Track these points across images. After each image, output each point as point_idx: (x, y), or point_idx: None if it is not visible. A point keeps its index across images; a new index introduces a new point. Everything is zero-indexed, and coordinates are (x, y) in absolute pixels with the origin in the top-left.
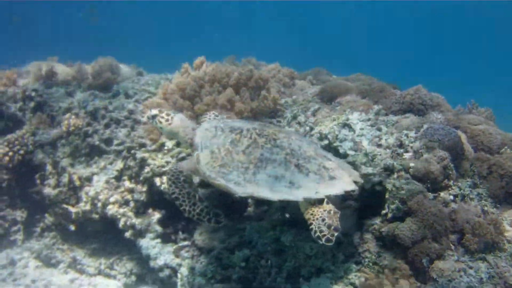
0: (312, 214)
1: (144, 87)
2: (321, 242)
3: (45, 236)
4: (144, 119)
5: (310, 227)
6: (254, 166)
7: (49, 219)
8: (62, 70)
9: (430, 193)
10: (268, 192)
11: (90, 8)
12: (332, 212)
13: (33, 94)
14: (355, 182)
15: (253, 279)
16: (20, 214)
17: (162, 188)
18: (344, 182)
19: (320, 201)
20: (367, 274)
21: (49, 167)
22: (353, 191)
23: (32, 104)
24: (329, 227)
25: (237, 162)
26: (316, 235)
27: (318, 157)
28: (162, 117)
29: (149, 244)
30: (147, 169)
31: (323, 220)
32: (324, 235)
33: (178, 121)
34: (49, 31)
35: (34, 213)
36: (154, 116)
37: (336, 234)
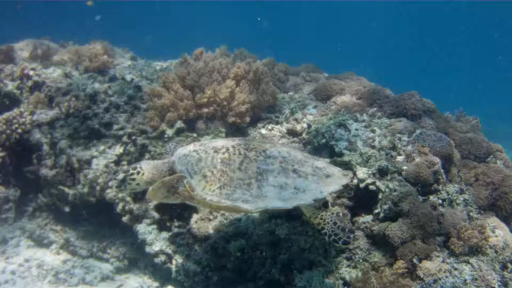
0: (321, 219)
1: (141, 73)
2: (338, 245)
3: (37, 216)
4: (115, 189)
5: (323, 231)
6: (256, 180)
7: (42, 199)
8: (58, 50)
9: (420, 196)
10: (279, 202)
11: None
12: (341, 214)
13: (31, 73)
14: (344, 175)
15: (248, 269)
16: (13, 193)
17: None
18: (339, 177)
19: (324, 204)
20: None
21: (46, 148)
22: (347, 185)
23: (30, 83)
24: (343, 230)
25: (237, 180)
26: (331, 238)
27: (308, 159)
28: (132, 174)
29: (146, 230)
30: (147, 155)
31: (335, 223)
32: (340, 238)
33: (147, 165)
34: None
35: (27, 192)
36: (124, 179)
37: (352, 236)
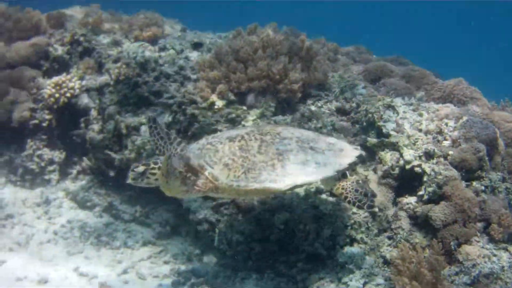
0: (343, 189)
1: (190, 44)
2: (363, 210)
3: (80, 179)
4: (130, 181)
5: (347, 200)
6: (278, 161)
7: (87, 162)
8: (107, 18)
9: (464, 182)
10: (305, 177)
11: None
12: (360, 181)
13: (81, 39)
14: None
15: (290, 242)
16: (58, 155)
17: None
18: (351, 150)
19: (343, 175)
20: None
21: (94, 112)
22: (360, 155)
23: (80, 49)
24: (365, 195)
25: (260, 163)
26: (356, 205)
27: (319, 136)
28: (154, 168)
29: (190, 198)
30: (196, 125)
31: (357, 190)
32: (364, 203)
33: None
34: None
35: (72, 155)
36: (143, 173)
37: (374, 199)
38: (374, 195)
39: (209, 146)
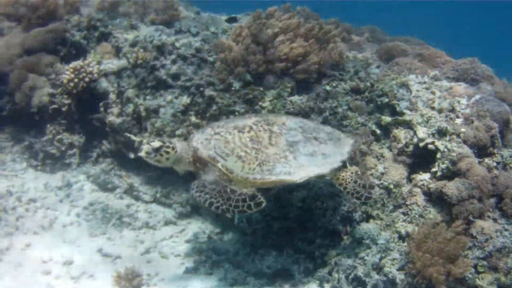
0: (343, 179)
1: (206, 26)
2: (361, 201)
3: (100, 162)
4: (143, 154)
5: (346, 190)
6: (290, 152)
7: (107, 145)
8: (123, 2)
9: (476, 158)
10: (317, 169)
11: None
12: (359, 172)
13: (98, 24)
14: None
15: (308, 219)
16: (77, 139)
17: None
18: (345, 138)
19: (343, 165)
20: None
21: (113, 96)
22: (354, 143)
23: (96, 34)
24: (364, 186)
25: (273, 155)
26: (354, 196)
27: (318, 125)
28: (168, 147)
29: None
30: (214, 107)
31: (355, 182)
32: (362, 194)
33: (179, 144)
34: None
35: (92, 139)
36: (158, 149)
37: (372, 191)
38: (371, 187)
39: (218, 136)
